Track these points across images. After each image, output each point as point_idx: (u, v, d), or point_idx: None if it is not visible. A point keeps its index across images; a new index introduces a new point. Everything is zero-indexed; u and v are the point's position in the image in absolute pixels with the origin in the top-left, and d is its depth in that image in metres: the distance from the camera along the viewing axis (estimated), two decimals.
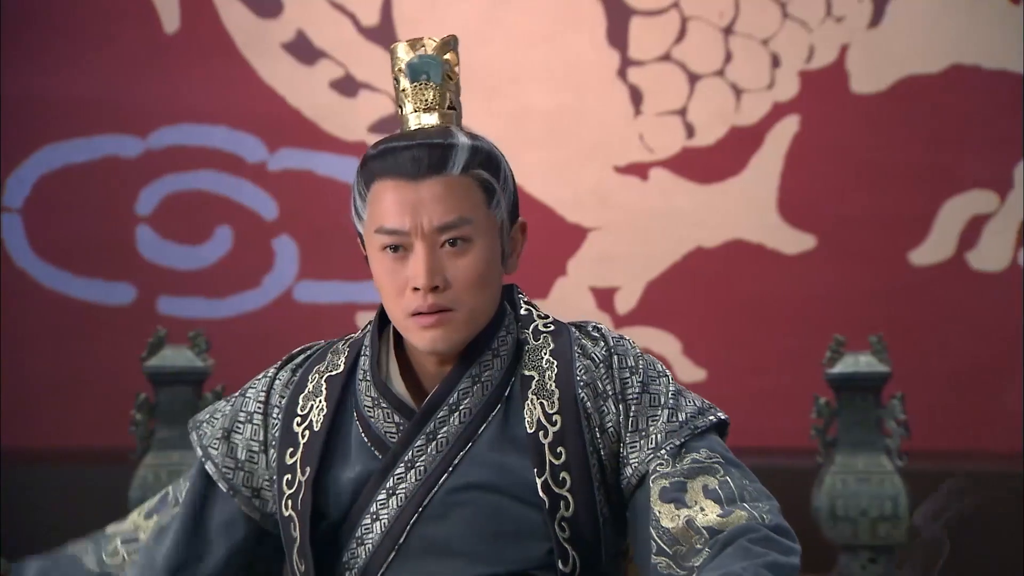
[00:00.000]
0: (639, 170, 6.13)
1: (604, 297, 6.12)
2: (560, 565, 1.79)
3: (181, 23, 6.14)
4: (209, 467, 1.94)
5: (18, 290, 6.03)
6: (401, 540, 1.82)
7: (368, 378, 1.88)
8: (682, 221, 6.09)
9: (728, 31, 6.13)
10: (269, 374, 1.98)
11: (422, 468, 1.82)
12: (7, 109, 6.03)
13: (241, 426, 1.93)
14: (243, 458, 1.92)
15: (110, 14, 6.12)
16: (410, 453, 1.82)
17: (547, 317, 1.95)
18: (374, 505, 1.83)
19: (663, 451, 1.80)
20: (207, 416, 2.00)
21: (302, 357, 1.98)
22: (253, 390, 1.97)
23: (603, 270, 6.12)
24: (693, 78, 6.14)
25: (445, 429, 1.82)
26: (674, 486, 1.78)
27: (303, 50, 6.16)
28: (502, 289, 1.90)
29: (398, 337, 1.91)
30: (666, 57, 6.15)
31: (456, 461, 1.82)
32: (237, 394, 2.01)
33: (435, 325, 1.79)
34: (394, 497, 1.83)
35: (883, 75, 6.07)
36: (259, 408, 1.94)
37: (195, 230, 6.13)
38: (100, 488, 5.24)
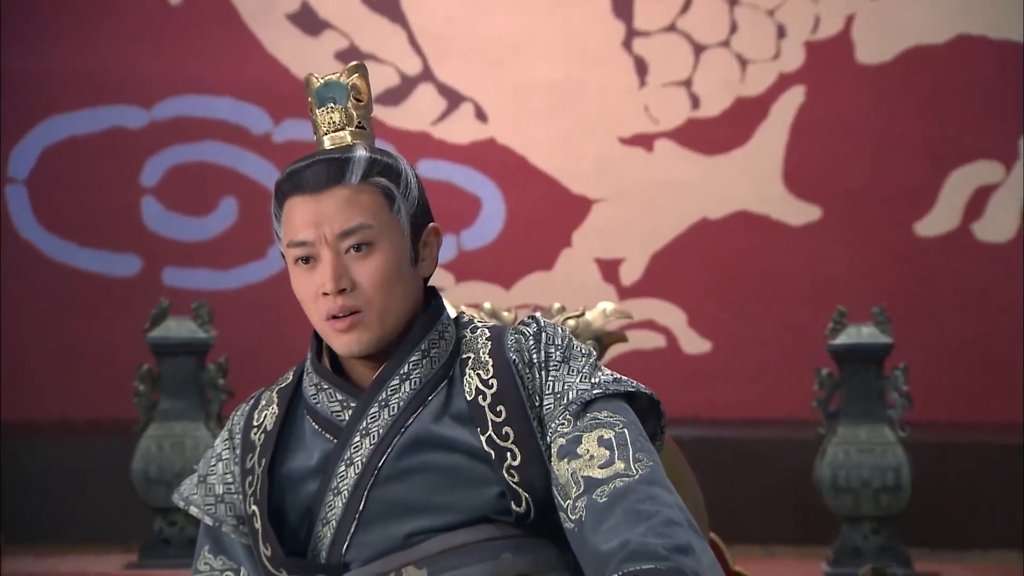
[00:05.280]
0: (644, 141, 6.12)
1: (609, 268, 6.12)
2: (514, 506, 1.88)
3: None
4: (194, 511, 2.04)
5: (23, 261, 6.04)
6: (360, 507, 1.90)
7: (309, 371, 1.99)
8: (687, 192, 6.08)
9: (733, 2, 6.11)
10: (228, 423, 2.09)
11: (376, 434, 1.92)
12: (12, 81, 6.03)
13: (213, 467, 2.04)
14: (221, 492, 2.02)
15: None
16: (365, 422, 1.92)
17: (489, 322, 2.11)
18: (335, 480, 1.92)
19: (568, 411, 1.90)
20: (185, 480, 2.11)
21: (258, 393, 2.09)
22: (218, 439, 2.09)
23: (608, 241, 6.12)
24: (698, 49, 6.13)
25: (397, 396, 1.93)
26: (570, 441, 1.88)
27: (308, 21, 6.15)
28: (425, 293, 2.00)
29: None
30: (671, 28, 6.14)
31: (408, 423, 1.92)
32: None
33: (348, 329, 1.91)
34: (351, 467, 1.92)
35: (889, 46, 6.05)
36: (225, 446, 2.04)
37: (200, 201, 6.14)
38: (103, 460, 5.25)
